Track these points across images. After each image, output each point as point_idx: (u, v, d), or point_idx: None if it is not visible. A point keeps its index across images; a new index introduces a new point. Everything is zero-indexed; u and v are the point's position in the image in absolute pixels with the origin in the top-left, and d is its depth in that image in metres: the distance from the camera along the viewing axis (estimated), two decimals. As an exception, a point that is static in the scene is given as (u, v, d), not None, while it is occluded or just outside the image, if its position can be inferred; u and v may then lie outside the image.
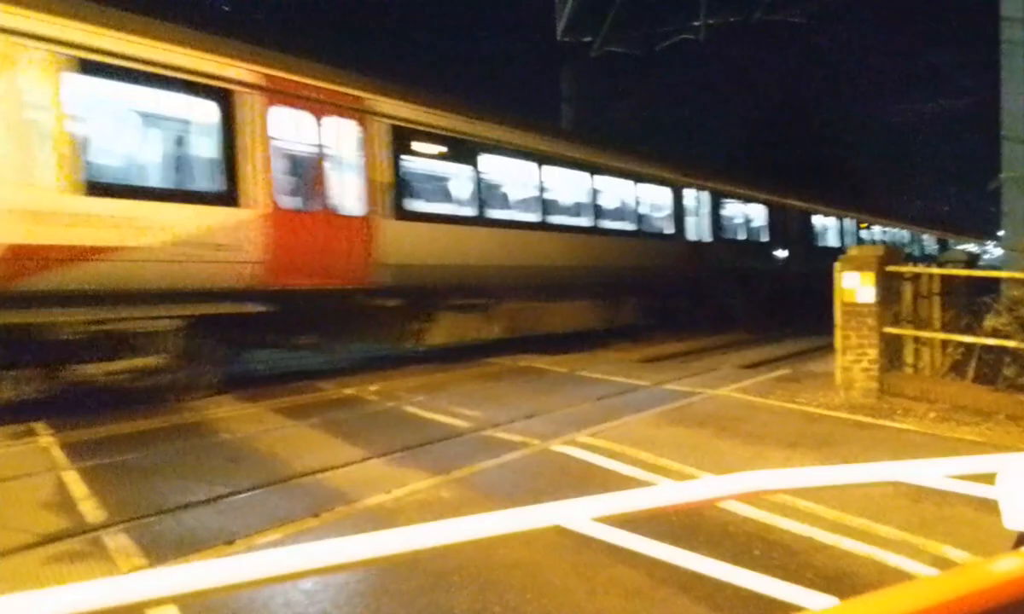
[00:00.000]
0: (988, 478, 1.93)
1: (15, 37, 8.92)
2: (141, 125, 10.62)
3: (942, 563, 4.79)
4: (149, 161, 10.81)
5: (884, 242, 31.77)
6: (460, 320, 14.88)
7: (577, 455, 7.86)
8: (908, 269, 11.11)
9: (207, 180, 10.97)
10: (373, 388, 11.99)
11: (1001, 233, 14.69)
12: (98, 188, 9.61)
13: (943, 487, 2.17)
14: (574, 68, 28.28)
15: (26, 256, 8.95)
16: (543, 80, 29.34)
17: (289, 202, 11.85)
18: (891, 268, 10.76)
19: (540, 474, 7.25)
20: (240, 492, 6.85)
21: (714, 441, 8.47)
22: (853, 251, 10.87)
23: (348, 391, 11.89)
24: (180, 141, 11.03)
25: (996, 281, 11.54)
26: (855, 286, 10.59)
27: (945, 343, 10.69)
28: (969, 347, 10.39)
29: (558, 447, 8.18)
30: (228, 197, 10.94)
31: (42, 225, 9.08)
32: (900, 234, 35.37)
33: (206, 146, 11.01)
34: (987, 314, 10.37)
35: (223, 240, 10.79)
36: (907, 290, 11.00)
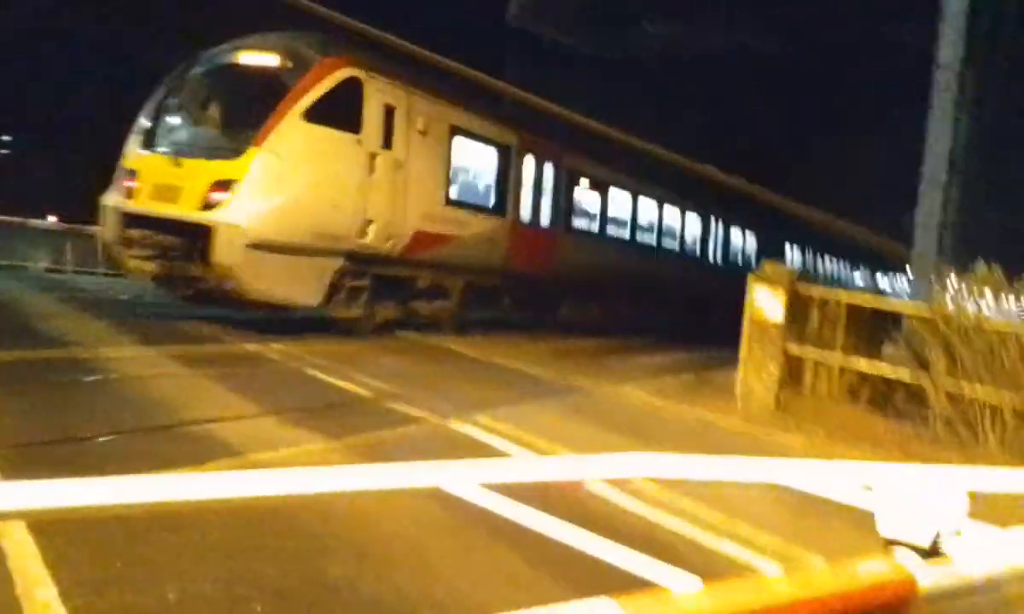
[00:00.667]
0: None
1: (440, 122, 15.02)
2: (470, 166, 16.57)
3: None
4: (471, 188, 16.65)
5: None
6: (575, 304, 20.75)
7: (474, 435, 7.82)
8: (817, 291, 11.37)
9: (492, 200, 16.92)
10: (276, 347, 11.73)
11: (912, 269, 15.22)
12: (452, 202, 15.49)
13: (822, 494, 2.19)
14: (521, 56, 28.21)
15: (419, 238, 14.48)
16: (487, 63, 29.05)
17: (522, 217, 17.62)
18: (802, 288, 10.99)
19: (433, 449, 7.19)
20: (123, 433, 6.61)
21: (609, 436, 8.54)
22: (767, 267, 11.07)
23: (250, 347, 11.60)
24: (484, 177, 16.93)
25: (899, 314, 11.90)
26: (765, 302, 10.78)
27: (843, 368, 10.98)
28: (866, 374, 10.69)
29: (456, 425, 8.12)
30: (500, 212, 16.92)
31: (429, 221, 14.67)
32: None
33: (494, 180, 16.98)
34: (887, 344, 10.68)
35: (494, 238, 16.59)
36: (814, 312, 11.25)
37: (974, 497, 1.52)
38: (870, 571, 1.36)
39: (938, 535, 1.43)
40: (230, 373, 9.61)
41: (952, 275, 10.04)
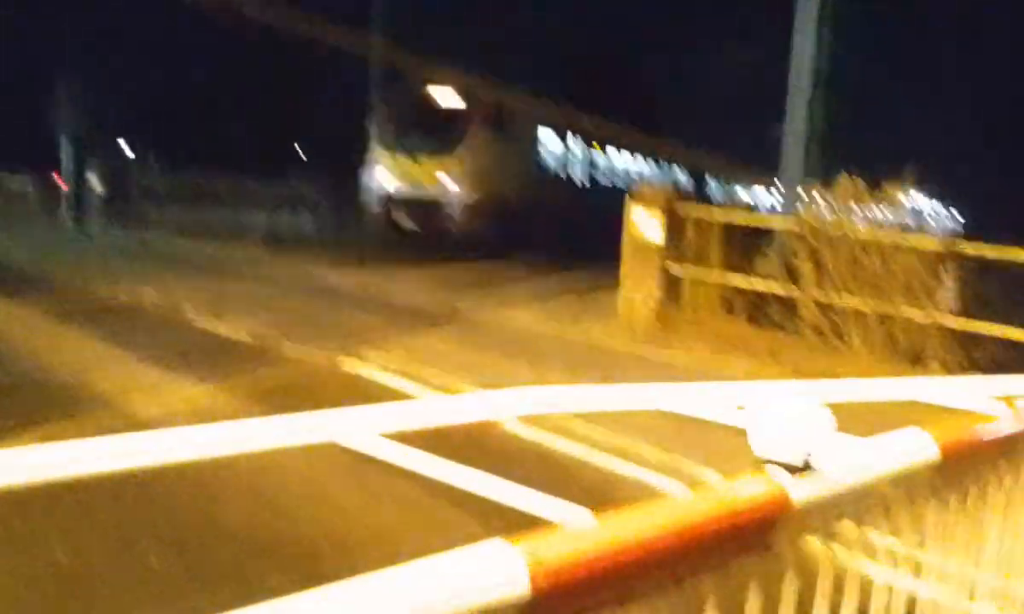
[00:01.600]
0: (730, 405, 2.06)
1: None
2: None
3: (696, 485, 5.14)
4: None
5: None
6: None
7: (365, 372, 7.81)
8: (694, 210, 11.68)
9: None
10: (150, 291, 11.34)
11: (781, 183, 15.72)
12: None
13: (701, 416, 2.31)
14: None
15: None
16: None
17: None
18: (678, 207, 11.27)
19: (321, 389, 7.15)
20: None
21: (500, 362, 8.66)
22: (644, 188, 11.28)
23: (124, 297, 11.19)
24: None
25: (771, 229, 12.33)
26: (643, 223, 11.02)
27: (720, 283, 11.38)
28: (742, 290, 11.12)
29: (344, 363, 8.08)
30: None
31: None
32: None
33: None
34: (759, 258, 11.10)
35: None
36: (690, 230, 11.56)
37: (839, 408, 1.63)
38: (745, 489, 1.44)
39: (808, 451, 1.53)
40: (104, 324, 9.26)
41: (819, 187, 10.47)
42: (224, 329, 9.36)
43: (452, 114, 20.80)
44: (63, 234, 20.04)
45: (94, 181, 21.06)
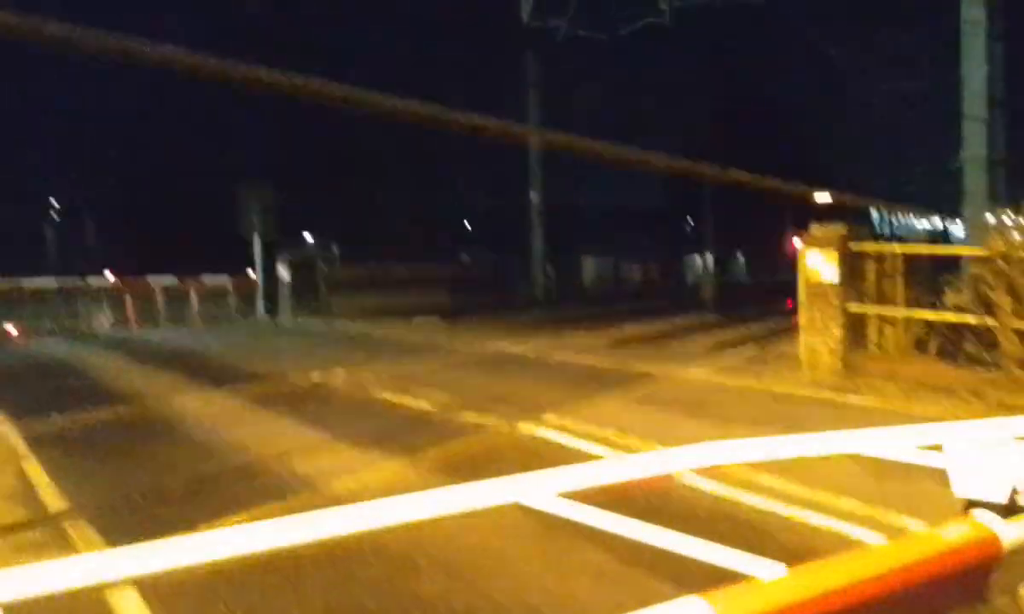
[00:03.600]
0: (938, 448, 1.95)
1: None
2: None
3: (899, 535, 4.85)
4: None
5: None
6: None
7: (544, 435, 7.88)
8: (872, 247, 11.21)
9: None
10: (340, 373, 11.93)
11: (964, 211, 14.87)
12: None
13: (903, 459, 2.20)
14: (540, 52, 28.20)
15: None
16: (508, 65, 29.14)
17: None
18: (855, 247, 10.84)
19: (504, 456, 7.26)
20: (206, 480, 6.80)
21: (681, 419, 8.54)
22: (816, 230, 10.94)
23: (315, 376, 11.83)
24: None
25: (958, 259, 11.67)
26: (819, 265, 10.67)
27: (908, 321, 10.80)
28: (931, 324, 10.51)
29: (524, 428, 8.19)
30: None
31: None
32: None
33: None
34: (949, 291, 10.48)
35: None
36: (870, 269, 11.08)
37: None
38: (953, 534, 1.37)
39: (1015, 490, 1.45)
40: (299, 407, 9.81)
41: (1008, 212, 9.82)
42: (409, 404, 9.71)
43: None
44: (258, 326, 21.47)
45: (283, 274, 22.55)
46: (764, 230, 33.17)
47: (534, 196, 28.82)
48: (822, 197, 22.34)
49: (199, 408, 9.97)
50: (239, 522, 5.42)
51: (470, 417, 8.89)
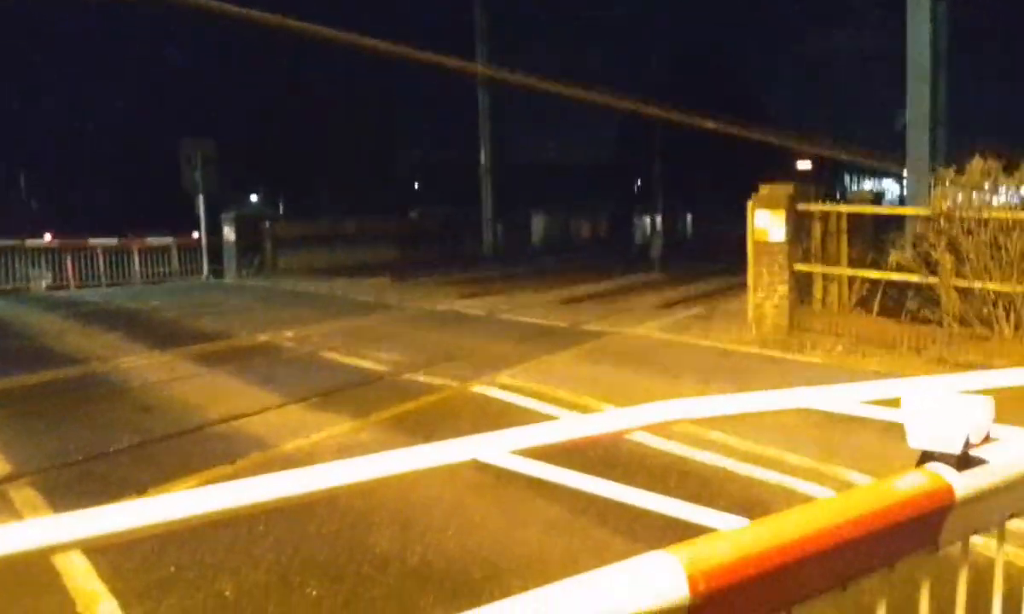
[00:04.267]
0: (892, 403, 1.99)
1: None
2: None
3: (847, 487, 4.97)
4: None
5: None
6: None
7: (498, 395, 7.90)
8: (817, 207, 11.36)
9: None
10: (288, 335, 11.81)
11: (905, 171, 15.13)
12: None
13: (849, 412, 2.24)
14: (488, 5, 27.90)
15: None
16: (457, 16, 28.75)
17: None
18: (801, 206, 10.98)
19: (459, 416, 7.26)
20: (154, 440, 6.70)
21: (632, 376, 8.62)
22: (764, 189, 11.04)
23: (262, 337, 11.69)
24: None
25: (901, 218, 11.89)
26: (766, 224, 10.78)
27: (852, 279, 11.00)
28: (875, 282, 10.72)
29: (478, 388, 8.20)
30: None
31: None
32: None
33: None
34: (892, 250, 10.68)
35: None
36: (816, 228, 11.25)
37: (997, 395, 1.56)
38: (908, 484, 1.40)
39: (968, 442, 1.47)
40: (247, 367, 9.69)
41: (950, 172, 10.00)
42: (360, 364, 9.66)
43: None
44: (203, 286, 21.13)
45: (227, 232, 22.16)
46: (715, 188, 33.43)
47: (483, 152, 28.65)
48: (803, 164, 22.68)
49: (144, 368, 9.80)
50: (188, 483, 5.36)
51: (422, 376, 8.88)
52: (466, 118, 29.49)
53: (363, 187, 33.31)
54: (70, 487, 5.63)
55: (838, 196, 15.72)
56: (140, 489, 5.39)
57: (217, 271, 22.26)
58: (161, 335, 12.26)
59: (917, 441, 1.50)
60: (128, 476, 5.80)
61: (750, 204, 10.98)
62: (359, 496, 4.89)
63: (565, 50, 34.88)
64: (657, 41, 38.02)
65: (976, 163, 9.61)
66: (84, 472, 5.98)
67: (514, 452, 1.76)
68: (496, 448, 1.75)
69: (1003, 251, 9.09)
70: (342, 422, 7.08)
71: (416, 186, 42.71)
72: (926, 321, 9.74)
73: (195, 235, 22.50)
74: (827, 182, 30.11)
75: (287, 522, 4.62)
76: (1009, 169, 9.49)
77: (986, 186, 9.56)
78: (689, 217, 37.99)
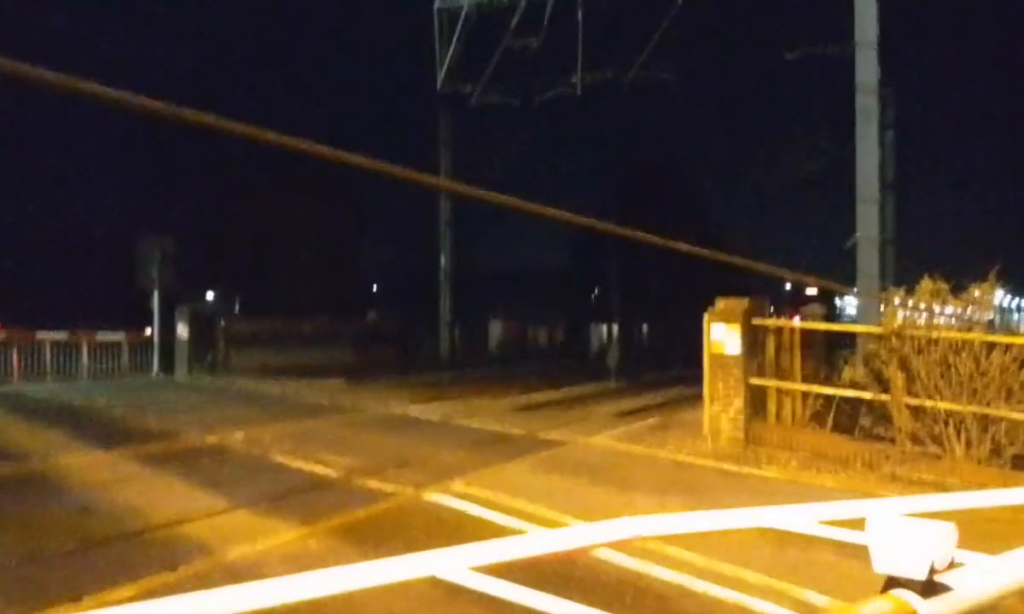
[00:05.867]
0: (849, 524, 1.97)
1: None
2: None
3: (803, 607, 4.90)
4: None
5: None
6: None
7: (452, 504, 7.74)
8: (772, 322, 11.54)
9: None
10: (237, 436, 11.56)
11: (856, 289, 15.50)
12: None
13: (807, 532, 2.21)
14: (453, 116, 28.54)
15: None
16: (422, 125, 29.38)
17: None
18: (756, 321, 11.14)
19: (411, 525, 7.10)
20: (93, 545, 6.43)
21: (587, 487, 8.52)
22: (721, 303, 11.20)
23: (211, 439, 11.42)
24: None
25: (853, 335, 12.11)
26: (722, 337, 10.91)
27: (806, 394, 11.11)
28: (828, 398, 10.82)
29: (431, 496, 8.04)
30: None
31: None
32: None
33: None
34: (845, 366, 10.83)
35: None
36: (770, 342, 11.40)
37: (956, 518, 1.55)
38: (872, 611, 1.37)
39: (932, 568, 1.45)
40: (194, 469, 9.43)
41: (900, 292, 10.25)
42: (311, 468, 9.45)
43: None
44: (152, 383, 20.72)
45: (181, 328, 21.86)
46: (674, 300, 33.97)
47: (443, 257, 28.88)
48: (811, 290, 23.12)
49: (86, 467, 9.49)
50: (127, 591, 5.14)
51: (374, 483, 8.70)
52: (427, 223, 29.84)
53: (322, 287, 33.29)
54: (1, 593, 5.36)
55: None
56: (75, 597, 5.14)
57: (168, 368, 21.89)
58: (106, 433, 11.93)
59: (882, 566, 1.47)
60: (64, 582, 5.54)
61: (706, 317, 11.12)
62: (304, 611, 4.71)
63: (528, 161, 35.72)
64: (617, 155, 39.08)
65: (925, 283, 9.87)
66: (17, 578, 5.70)
67: (472, 568, 1.70)
68: (453, 563, 1.70)
69: (953, 370, 9.26)
70: (290, 529, 6.88)
71: (375, 288, 42.79)
72: (879, 438, 9.83)
73: (147, 331, 22.17)
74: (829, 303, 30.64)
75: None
76: (956, 290, 9.75)
77: (935, 306, 9.78)
78: (645, 326, 38.41)
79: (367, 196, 34.86)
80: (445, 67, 24.64)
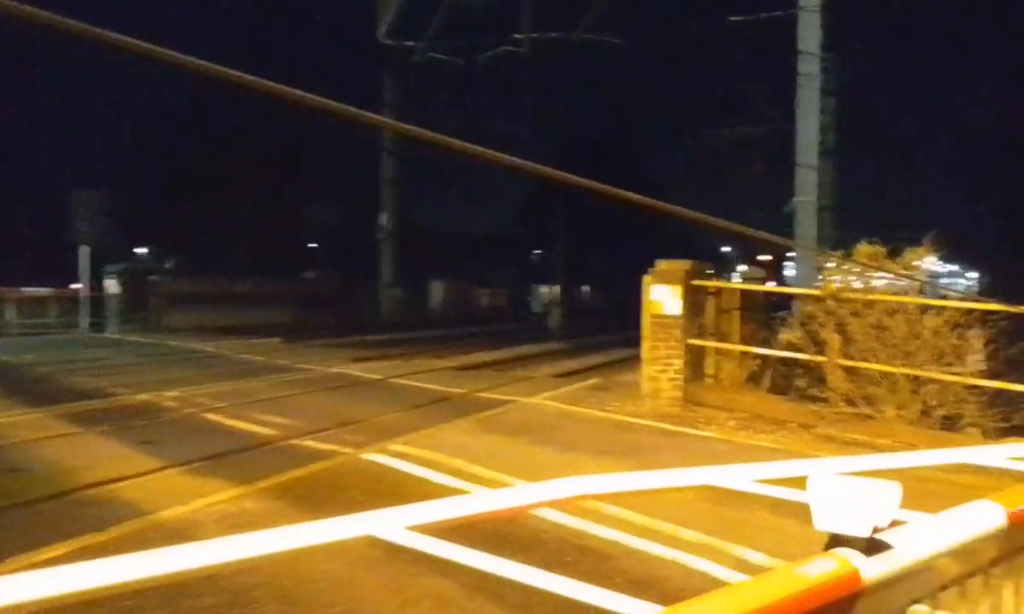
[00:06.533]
0: (785, 483, 1.97)
1: None
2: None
3: (742, 566, 4.97)
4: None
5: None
6: None
7: (390, 463, 7.69)
8: (712, 284, 11.64)
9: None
10: (170, 395, 11.33)
11: (794, 253, 15.73)
12: None
13: (745, 491, 2.21)
14: (397, 72, 28.12)
15: None
16: (365, 81, 28.94)
17: None
18: (696, 282, 11.23)
19: (349, 485, 7.03)
20: (19, 506, 6.25)
21: (528, 448, 8.54)
22: (662, 265, 11.25)
23: (143, 397, 11.18)
24: None
25: (791, 297, 12.28)
26: (663, 299, 10.97)
27: (744, 355, 11.26)
28: (766, 359, 10.99)
29: (369, 455, 7.98)
30: None
31: None
32: None
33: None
34: (782, 328, 10.99)
35: None
36: (710, 304, 11.50)
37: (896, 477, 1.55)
38: (817, 571, 1.36)
39: (875, 526, 1.44)
40: (126, 428, 9.22)
41: (838, 255, 10.40)
42: (247, 427, 9.31)
43: None
44: (82, 341, 20.22)
45: (110, 285, 21.33)
46: (616, 263, 34.20)
47: (384, 218, 28.57)
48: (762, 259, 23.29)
49: (13, 426, 9.22)
50: (57, 552, 5.00)
51: (312, 442, 8.60)
52: (370, 182, 29.48)
53: (262, 246, 32.75)
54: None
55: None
56: (1, 557, 4.98)
57: (98, 326, 21.35)
58: (33, 391, 11.61)
59: (824, 524, 1.46)
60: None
61: (647, 279, 11.17)
62: (240, 572, 4.63)
63: (469, 126, 35.41)
64: (562, 118, 39.03)
65: (863, 247, 10.03)
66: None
67: (410, 528, 1.66)
68: (392, 524, 1.65)
69: (887, 333, 9.45)
70: (226, 489, 6.75)
71: (316, 248, 42.26)
72: (814, 399, 10.00)
73: (76, 287, 21.59)
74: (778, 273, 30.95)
75: (161, 598, 4.32)
76: (893, 254, 9.93)
77: (872, 270, 9.95)
78: (587, 288, 38.66)
79: (309, 155, 34.32)
80: (388, 20, 24.20)
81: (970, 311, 9.40)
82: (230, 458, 7.93)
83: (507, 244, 42.84)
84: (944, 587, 1.61)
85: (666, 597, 5.34)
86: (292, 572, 4.71)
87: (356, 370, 14.47)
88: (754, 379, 11.17)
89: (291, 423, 9.52)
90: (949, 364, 9.19)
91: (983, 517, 1.67)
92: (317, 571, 4.76)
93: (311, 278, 29.24)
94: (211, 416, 9.97)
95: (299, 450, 8.29)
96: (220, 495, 6.58)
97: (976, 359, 9.40)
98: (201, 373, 13.75)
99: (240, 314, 22.68)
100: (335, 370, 14.51)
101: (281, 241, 35.51)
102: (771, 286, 12.91)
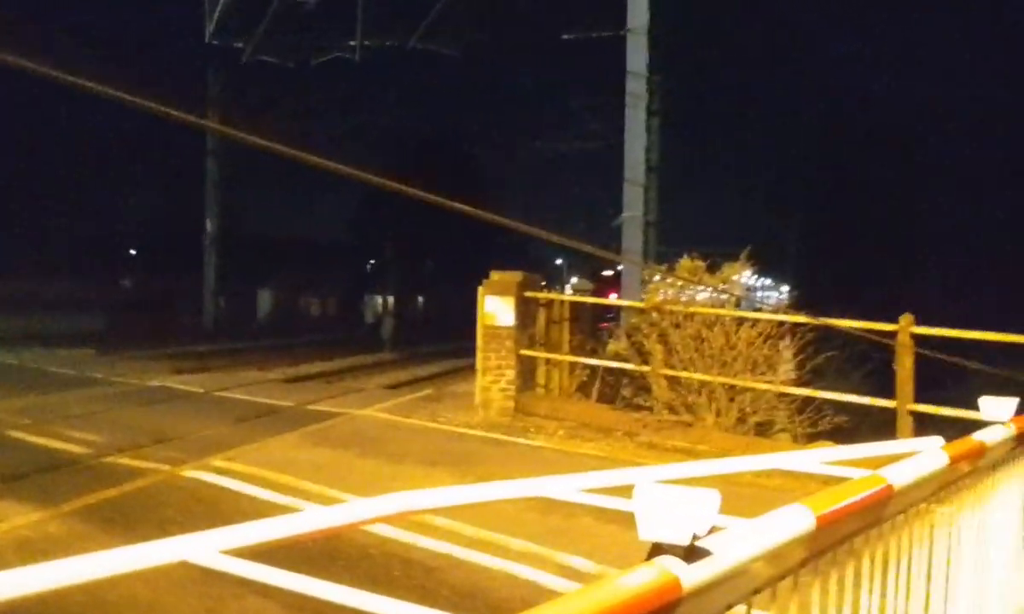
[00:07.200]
0: (609, 491, 1.99)
1: None
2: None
3: (568, 572, 5.04)
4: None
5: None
6: None
7: (211, 480, 7.35)
8: (543, 295, 11.83)
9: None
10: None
11: (622, 267, 16.24)
12: None
13: (571, 500, 2.22)
14: (224, 73, 27.14)
15: None
16: (190, 79, 27.70)
17: None
18: (529, 294, 11.38)
19: (167, 504, 6.66)
20: None
21: (356, 460, 8.38)
22: (495, 276, 11.34)
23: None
24: None
25: (619, 309, 12.64)
26: (496, 310, 11.05)
27: (573, 365, 11.50)
28: (594, 369, 11.26)
29: (190, 473, 7.59)
30: None
31: None
32: None
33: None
34: (610, 339, 11.30)
35: None
36: (541, 315, 11.69)
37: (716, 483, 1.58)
38: (638, 580, 1.36)
39: (695, 534, 1.46)
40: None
41: (661, 269, 10.82)
42: (53, 444, 8.67)
43: None
44: None
45: None
46: (450, 274, 34.26)
47: (209, 222, 27.47)
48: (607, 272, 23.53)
49: None
50: None
51: (127, 460, 8.10)
52: (192, 181, 28.25)
53: (71, 248, 30.69)
54: None
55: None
56: None
57: None
58: None
59: (648, 533, 1.47)
60: None
61: (481, 290, 11.23)
62: (39, 601, 4.27)
63: (302, 129, 34.61)
64: (395, 129, 38.71)
65: (685, 262, 10.47)
66: None
67: (225, 551, 1.55)
68: (204, 547, 1.54)
69: (706, 344, 9.89)
70: (27, 512, 6.25)
71: (136, 251, 40.05)
72: (639, 408, 10.34)
73: None
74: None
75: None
76: (712, 268, 10.42)
77: (692, 284, 10.40)
78: (421, 299, 38.56)
79: (125, 151, 32.47)
80: (215, 18, 23.30)
81: (781, 323, 9.97)
82: (33, 479, 7.35)
83: (342, 251, 42.12)
84: (758, 590, 1.66)
85: (491, 608, 5.36)
86: (96, 597, 4.39)
87: (176, 382, 13.80)
88: (583, 389, 11.43)
89: (104, 440, 8.94)
90: (762, 373, 9.72)
91: (794, 521, 1.74)
92: (124, 596, 4.45)
93: (127, 284, 27.76)
94: (14, 433, 9.22)
95: (112, 468, 7.79)
96: (20, 520, 6.09)
97: (787, 369, 10.00)
98: (5, 387, 12.70)
99: (47, 321, 21.15)
100: (154, 383, 13.78)
101: (93, 244, 33.40)
102: (613, 299, 13.26)
